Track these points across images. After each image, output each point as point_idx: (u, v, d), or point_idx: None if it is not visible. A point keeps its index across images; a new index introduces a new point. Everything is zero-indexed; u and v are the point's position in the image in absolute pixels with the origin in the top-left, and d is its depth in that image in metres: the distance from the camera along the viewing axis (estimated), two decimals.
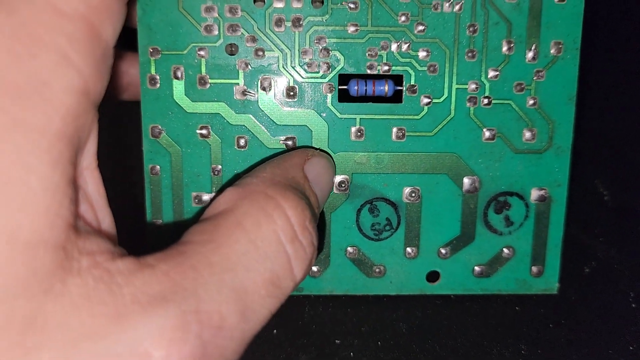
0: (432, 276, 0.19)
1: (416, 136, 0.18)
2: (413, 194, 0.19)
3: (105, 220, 0.14)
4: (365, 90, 0.18)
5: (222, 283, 0.12)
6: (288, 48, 0.18)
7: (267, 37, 0.18)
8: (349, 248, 0.19)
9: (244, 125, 0.18)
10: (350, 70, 0.18)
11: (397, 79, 0.18)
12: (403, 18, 0.18)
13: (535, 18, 0.18)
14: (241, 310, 0.12)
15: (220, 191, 0.18)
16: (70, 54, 0.12)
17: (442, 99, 0.18)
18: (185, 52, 0.17)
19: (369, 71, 0.18)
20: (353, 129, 0.18)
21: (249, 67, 0.18)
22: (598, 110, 0.24)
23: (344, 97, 0.18)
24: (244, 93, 0.18)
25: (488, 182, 0.19)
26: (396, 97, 0.18)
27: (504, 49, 0.18)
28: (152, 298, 0.11)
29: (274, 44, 0.18)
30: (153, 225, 0.18)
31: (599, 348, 0.20)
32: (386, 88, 0.18)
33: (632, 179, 0.24)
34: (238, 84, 0.18)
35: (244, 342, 0.13)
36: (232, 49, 0.18)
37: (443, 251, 0.19)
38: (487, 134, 0.18)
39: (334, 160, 0.18)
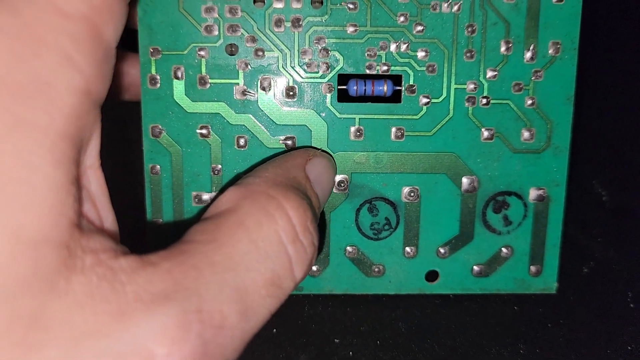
0: (431, 276, 0.20)
1: (415, 136, 0.18)
2: (412, 194, 0.19)
3: (108, 218, 0.14)
4: (365, 90, 0.18)
5: (223, 282, 0.12)
6: (288, 48, 0.18)
7: (266, 37, 0.18)
8: (348, 247, 0.19)
9: (243, 125, 0.18)
10: (350, 70, 0.18)
11: (396, 79, 0.18)
12: (402, 18, 0.18)
13: (533, 18, 0.18)
14: (242, 309, 0.13)
15: (221, 191, 0.18)
16: (72, 54, 0.12)
17: (440, 99, 0.18)
18: (185, 52, 0.18)
19: (368, 71, 0.18)
20: (352, 129, 0.18)
21: (249, 67, 0.18)
22: (596, 110, 0.24)
23: (343, 97, 0.18)
24: (243, 93, 0.18)
25: (487, 181, 0.19)
26: (395, 97, 0.18)
27: (502, 49, 0.18)
28: (154, 296, 0.11)
29: (273, 44, 0.18)
30: (153, 225, 0.18)
31: (597, 348, 0.20)
32: (385, 88, 0.18)
33: (630, 179, 0.24)
34: (238, 84, 0.18)
35: (244, 341, 0.13)
36: (232, 49, 0.18)
37: (442, 251, 0.19)
38: (485, 133, 0.19)
39: (334, 159, 0.18)
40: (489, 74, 0.18)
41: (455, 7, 0.18)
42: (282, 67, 0.18)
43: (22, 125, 0.11)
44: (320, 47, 0.18)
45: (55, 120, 0.11)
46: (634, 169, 0.24)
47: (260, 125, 0.18)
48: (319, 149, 0.18)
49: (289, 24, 0.18)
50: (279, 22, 0.18)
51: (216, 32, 0.18)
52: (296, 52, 0.18)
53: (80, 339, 0.11)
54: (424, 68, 0.18)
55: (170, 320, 0.11)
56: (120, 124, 0.20)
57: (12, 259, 0.10)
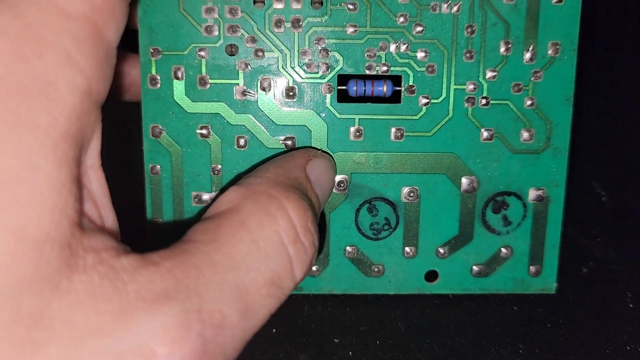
0: (431, 276, 0.20)
1: (414, 136, 0.19)
2: (411, 194, 0.19)
3: (109, 218, 0.14)
4: (364, 90, 0.18)
5: (224, 282, 0.12)
6: (287, 49, 0.18)
7: (266, 37, 0.18)
8: (347, 247, 0.19)
9: (243, 125, 0.18)
10: (349, 70, 0.18)
11: (396, 80, 0.18)
12: (401, 19, 0.18)
13: (532, 19, 0.18)
14: (242, 309, 0.13)
15: (222, 190, 0.18)
16: (74, 54, 0.12)
17: (440, 100, 0.18)
18: (185, 52, 0.18)
19: (367, 72, 0.18)
20: (352, 129, 0.18)
21: (249, 67, 0.18)
22: (595, 111, 0.24)
23: (343, 97, 0.18)
24: (243, 93, 0.18)
25: (486, 182, 0.19)
26: (395, 98, 0.18)
27: (502, 49, 0.18)
28: (156, 295, 0.11)
29: (273, 45, 0.18)
30: (153, 225, 0.19)
31: (596, 348, 0.20)
32: (385, 88, 0.18)
33: (629, 180, 0.24)
34: (238, 84, 0.18)
35: (243, 341, 0.13)
36: (232, 50, 0.18)
37: (441, 251, 0.19)
38: (485, 134, 0.19)
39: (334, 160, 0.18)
40: (489, 74, 0.18)
41: (455, 8, 0.18)
42: (282, 67, 0.18)
43: (24, 125, 0.11)
44: (320, 48, 0.18)
45: (57, 120, 0.11)
46: (633, 169, 0.24)
47: (260, 125, 0.18)
48: (319, 150, 0.18)
49: (288, 25, 0.18)
50: (279, 23, 0.18)
51: (216, 33, 0.18)
52: (296, 52, 0.18)
53: (82, 338, 0.11)
54: (424, 68, 0.18)
55: (171, 319, 0.11)
56: (120, 124, 0.20)
57: (14, 258, 0.10)
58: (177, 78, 0.18)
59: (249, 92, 0.18)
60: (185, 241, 0.13)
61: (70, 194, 0.11)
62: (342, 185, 0.19)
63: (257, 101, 0.18)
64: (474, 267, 0.20)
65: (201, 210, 0.18)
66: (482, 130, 0.19)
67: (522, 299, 0.21)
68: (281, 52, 0.18)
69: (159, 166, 0.18)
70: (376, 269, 0.19)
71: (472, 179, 0.19)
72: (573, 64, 0.18)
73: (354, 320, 0.20)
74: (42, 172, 0.11)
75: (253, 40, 0.18)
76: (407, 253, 0.19)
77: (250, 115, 0.18)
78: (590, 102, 0.24)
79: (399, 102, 0.18)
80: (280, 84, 0.18)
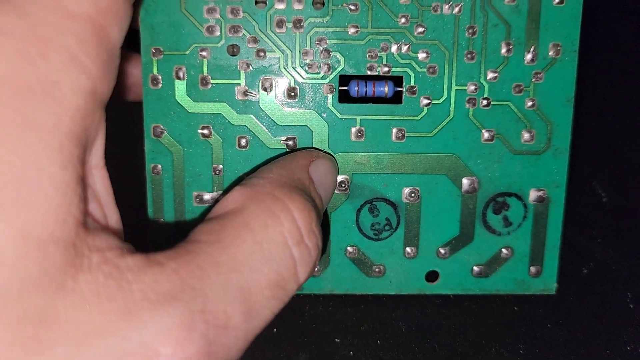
0: (431, 276, 0.20)
1: (416, 137, 0.19)
2: (412, 194, 0.19)
3: (113, 217, 0.14)
4: (366, 91, 0.18)
5: (228, 283, 0.13)
6: (289, 49, 0.18)
7: (268, 38, 0.18)
8: (348, 248, 0.19)
9: (245, 125, 0.18)
10: (351, 71, 0.18)
11: (397, 80, 0.18)
12: (403, 20, 0.18)
13: (534, 20, 0.18)
14: (245, 310, 0.13)
15: (225, 191, 0.18)
16: (79, 54, 0.12)
17: (441, 100, 0.18)
18: (187, 52, 0.18)
19: (369, 72, 0.18)
20: (353, 130, 0.18)
21: (250, 67, 0.18)
22: (596, 112, 0.24)
23: (344, 97, 0.18)
24: (245, 93, 0.18)
25: (487, 182, 0.19)
26: (396, 98, 0.18)
27: (503, 50, 0.18)
28: (160, 296, 0.12)
29: (275, 45, 0.18)
30: (154, 225, 0.19)
31: (596, 348, 0.20)
32: (386, 89, 0.18)
33: (629, 181, 0.24)
34: (239, 84, 0.18)
35: (247, 342, 0.13)
36: (233, 50, 0.18)
37: (442, 251, 0.19)
38: (486, 135, 0.19)
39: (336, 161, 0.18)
40: (490, 75, 0.18)
41: (456, 9, 0.18)
42: (284, 67, 0.18)
43: (30, 126, 0.11)
44: (321, 48, 0.18)
45: (62, 121, 0.11)
46: (633, 170, 0.24)
47: (261, 125, 0.18)
48: (321, 150, 0.18)
49: (290, 25, 0.18)
50: (280, 23, 0.18)
51: (218, 33, 0.18)
52: (297, 53, 0.18)
53: (87, 338, 0.11)
54: (425, 69, 0.18)
55: (175, 320, 0.11)
56: (122, 124, 0.20)
57: (20, 258, 0.10)
58: (179, 78, 0.18)
59: (250, 93, 0.18)
60: (189, 241, 0.13)
61: (74, 193, 0.11)
62: (343, 185, 0.19)
63: (258, 101, 0.18)
64: (475, 268, 0.20)
65: (202, 210, 0.19)
66: (483, 131, 0.19)
67: (523, 300, 0.21)
68: (283, 53, 0.18)
69: (160, 166, 0.18)
70: (377, 269, 0.19)
71: (472, 180, 0.19)
72: (574, 65, 0.18)
73: (355, 320, 0.20)
74: (47, 172, 0.11)
75: (255, 40, 0.18)
76: (408, 253, 0.19)
77: (252, 116, 0.18)
78: (590, 104, 0.24)
79: (400, 102, 0.18)
80: (281, 85, 0.18)
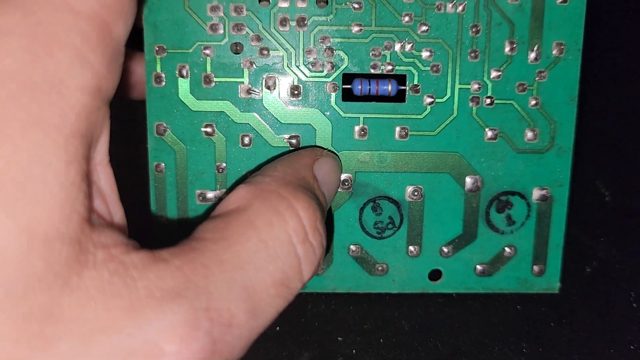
0: (434, 274, 0.20)
1: (419, 135, 0.19)
2: (416, 193, 0.19)
3: (117, 213, 0.14)
4: (369, 89, 0.18)
5: (232, 281, 0.13)
6: (292, 47, 0.18)
7: (271, 36, 0.18)
8: (351, 246, 0.19)
9: (248, 123, 0.18)
10: (354, 69, 0.18)
11: (401, 79, 0.18)
12: (406, 18, 0.18)
13: (537, 19, 0.18)
14: (250, 308, 0.13)
15: (230, 189, 0.18)
16: (84, 52, 0.12)
17: (444, 99, 0.18)
18: (190, 50, 0.18)
19: (372, 71, 0.18)
20: (356, 128, 0.18)
21: (254, 66, 0.18)
22: (600, 111, 0.24)
23: (347, 96, 0.18)
24: (248, 92, 0.18)
25: (490, 181, 0.19)
26: (399, 97, 0.18)
27: (507, 49, 0.18)
28: (165, 293, 0.12)
29: (278, 43, 0.18)
30: (158, 222, 0.19)
31: (599, 347, 0.20)
32: (389, 87, 0.18)
33: (633, 179, 0.24)
34: (243, 82, 0.18)
35: (251, 340, 0.13)
36: (237, 48, 0.18)
37: (445, 250, 0.19)
38: (489, 133, 0.19)
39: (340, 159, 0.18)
40: (493, 74, 0.18)
41: (460, 8, 0.18)
42: (287, 66, 0.18)
43: (35, 123, 0.11)
44: (325, 47, 0.18)
45: (68, 118, 0.11)
46: (637, 168, 0.24)
47: (264, 123, 0.18)
48: (325, 149, 0.18)
49: (294, 23, 0.18)
50: (284, 21, 0.18)
51: (221, 31, 0.18)
52: (301, 51, 0.18)
53: (92, 334, 0.11)
54: (429, 68, 0.18)
55: (180, 317, 0.11)
56: (125, 122, 0.20)
57: (25, 255, 0.10)
58: (182, 76, 0.18)
59: (253, 91, 0.18)
60: (194, 239, 0.13)
61: (79, 190, 0.11)
62: (346, 184, 0.19)
63: (261, 100, 0.18)
64: (478, 267, 0.20)
65: (205, 208, 0.19)
66: (487, 129, 0.19)
67: (526, 298, 0.21)
68: (286, 51, 0.18)
69: (163, 164, 0.18)
70: (380, 268, 0.19)
71: (476, 179, 0.19)
72: (577, 64, 0.18)
73: (358, 318, 0.20)
74: (52, 169, 0.11)
75: (258, 38, 0.18)
76: (411, 252, 0.19)
77: (255, 114, 0.18)
78: (594, 102, 0.24)
79: (404, 101, 0.18)
80: (285, 83, 0.18)
